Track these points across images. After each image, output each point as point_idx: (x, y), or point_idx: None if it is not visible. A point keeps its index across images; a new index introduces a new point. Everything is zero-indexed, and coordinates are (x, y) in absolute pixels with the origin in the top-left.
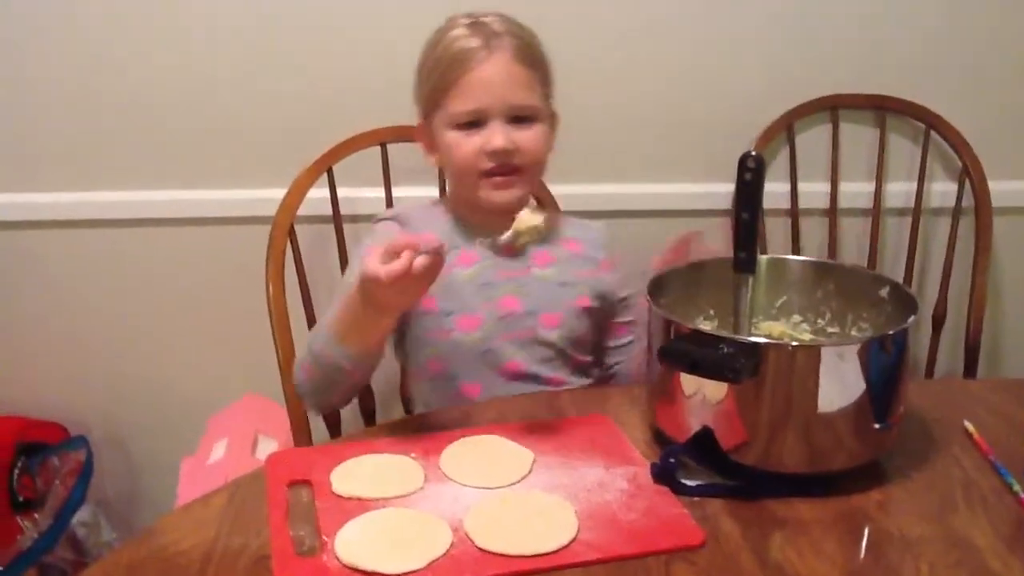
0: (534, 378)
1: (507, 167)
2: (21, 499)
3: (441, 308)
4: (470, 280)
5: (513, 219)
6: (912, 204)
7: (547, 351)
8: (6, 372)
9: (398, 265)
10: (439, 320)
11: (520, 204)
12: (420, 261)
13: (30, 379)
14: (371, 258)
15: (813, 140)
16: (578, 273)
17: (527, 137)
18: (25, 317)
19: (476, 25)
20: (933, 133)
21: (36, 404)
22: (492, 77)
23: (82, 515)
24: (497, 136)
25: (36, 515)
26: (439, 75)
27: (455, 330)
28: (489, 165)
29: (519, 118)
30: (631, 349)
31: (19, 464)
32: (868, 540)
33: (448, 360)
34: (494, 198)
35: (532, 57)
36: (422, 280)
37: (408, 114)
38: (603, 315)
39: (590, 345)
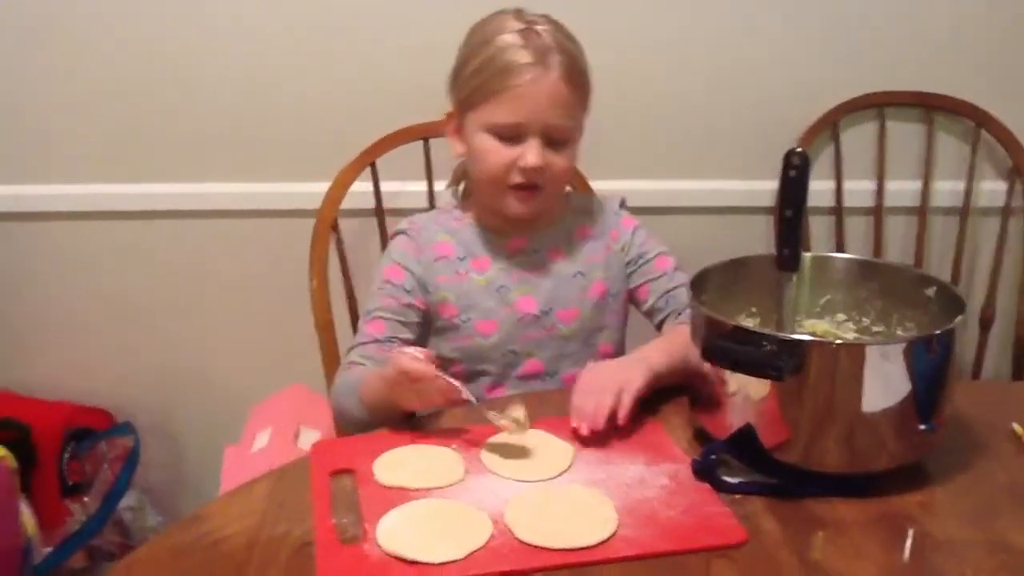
0: (552, 376)
1: (534, 184)
2: (70, 483)
3: (460, 313)
4: (486, 285)
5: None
6: (960, 203)
7: (567, 346)
8: (58, 359)
9: (422, 368)
10: (459, 325)
11: (539, 215)
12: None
13: (80, 366)
14: (406, 357)
15: (859, 137)
16: (592, 259)
17: (558, 159)
18: (76, 307)
19: (528, 34)
20: (983, 131)
21: (85, 391)
22: (539, 96)
23: (128, 500)
24: (532, 155)
25: (85, 499)
26: (485, 79)
27: (475, 335)
28: (519, 180)
29: (554, 138)
30: (673, 302)
31: (69, 449)
32: (910, 542)
33: (470, 361)
34: (516, 209)
35: (579, 79)
36: (436, 398)
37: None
38: (623, 286)
39: (616, 329)
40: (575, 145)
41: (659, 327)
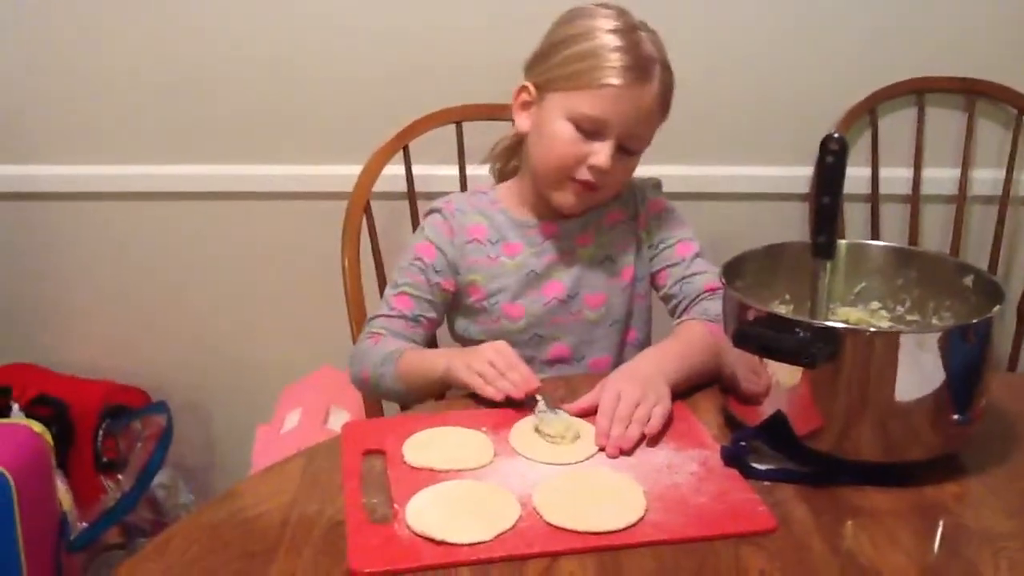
0: (578, 361)
1: (595, 183)
2: (105, 460)
3: (488, 296)
4: (516, 269)
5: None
6: (999, 192)
7: (594, 331)
8: (95, 338)
9: (509, 359)
10: (487, 307)
11: (586, 212)
12: (514, 378)
13: (117, 346)
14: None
15: (897, 124)
16: (621, 243)
17: (623, 168)
18: (114, 287)
19: (630, 35)
20: None
21: (121, 369)
22: (633, 103)
23: (161, 478)
24: (604, 155)
25: (119, 476)
26: (581, 70)
27: (502, 318)
28: (585, 177)
29: (628, 147)
30: (687, 287)
31: (104, 426)
32: (944, 533)
33: None
34: (569, 201)
35: (668, 100)
36: (496, 390)
37: (484, 95)
38: (648, 269)
39: (643, 315)
40: (638, 158)
41: (673, 313)
